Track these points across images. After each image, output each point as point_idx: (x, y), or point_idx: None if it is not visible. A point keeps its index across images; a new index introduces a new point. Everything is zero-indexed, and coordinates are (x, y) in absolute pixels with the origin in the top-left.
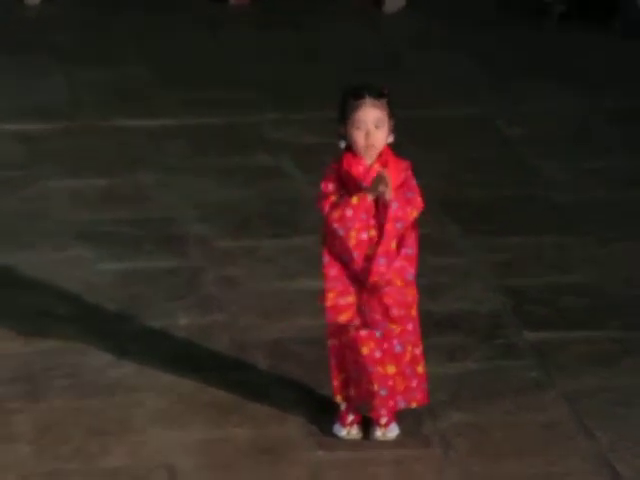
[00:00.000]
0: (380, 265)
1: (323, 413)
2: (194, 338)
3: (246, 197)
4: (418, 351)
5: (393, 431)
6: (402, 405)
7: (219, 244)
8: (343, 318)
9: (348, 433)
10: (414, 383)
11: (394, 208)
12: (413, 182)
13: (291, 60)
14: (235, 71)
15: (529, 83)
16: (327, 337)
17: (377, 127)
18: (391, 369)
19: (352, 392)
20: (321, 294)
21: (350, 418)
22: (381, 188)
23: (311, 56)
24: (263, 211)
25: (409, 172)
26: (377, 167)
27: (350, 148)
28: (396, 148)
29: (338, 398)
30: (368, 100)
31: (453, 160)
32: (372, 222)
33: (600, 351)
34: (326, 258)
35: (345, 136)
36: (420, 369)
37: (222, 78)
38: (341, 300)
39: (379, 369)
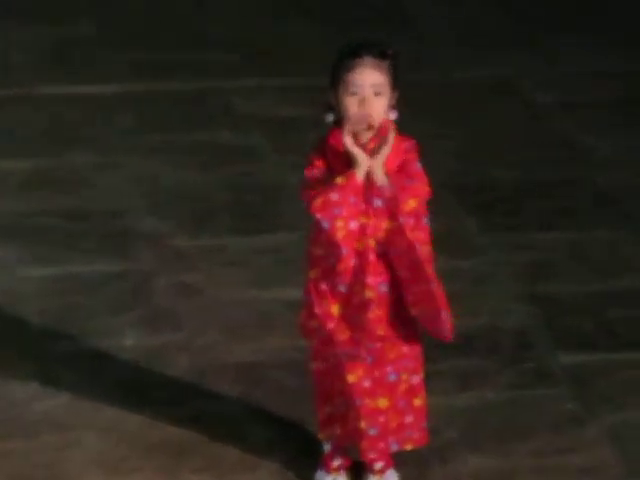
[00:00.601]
0: (420, 250)
1: (304, 456)
2: (143, 362)
3: (208, 184)
4: (416, 380)
5: (390, 479)
6: (395, 447)
7: (174, 243)
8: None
9: None
10: (409, 419)
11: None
12: (415, 166)
13: (267, 14)
14: (199, 28)
15: (563, 39)
16: (311, 359)
17: (376, 94)
18: (383, 403)
19: (338, 430)
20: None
21: (336, 463)
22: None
23: (293, 9)
24: (229, 201)
25: (412, 155)
26: (371, 147)
27: (340, 122)
28: (398, 122)
29: (321, 436)
30: (367, 60)
31: (470, 135)
32: (363, 207)
33: None
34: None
35: (334, 107)
36: (418, 402)
37: (183, 36)
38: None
39: (368, 402)
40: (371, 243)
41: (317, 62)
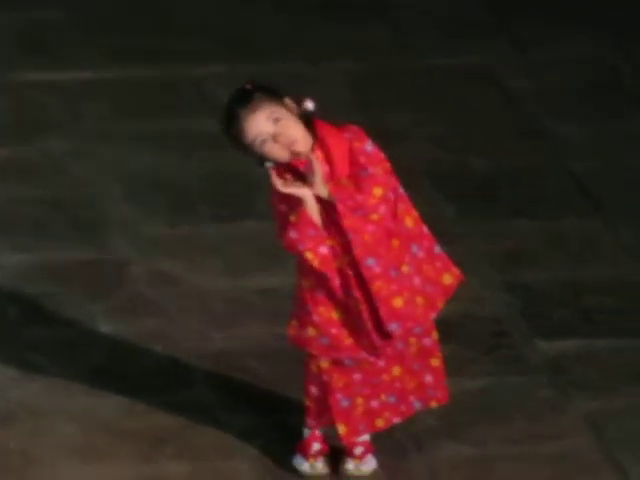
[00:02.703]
0: (371, 268)
1: (281, 443)
2: (118, 349)
3: (184, 171)
4: (429, 342)
5: (369, 464)
6: (418, 406)
7: (150, 230)
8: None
9: (312, 467)
10: (429, 379)
11: (340, 204)
12: (365, 152)
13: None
14: (169, 13)
15: (540, 25)
16: (310, 362)
17: (276, 122)
18: (396, 371)
19: (354, 416)
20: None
21: (315, 448)
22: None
23: None
24: (206, 189)
25: (357, 142)
26: (318, 155)
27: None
28: (375, 106)
29: (313, 424)
30: (242, 113)
31: (446, 121)
32: (324, 234)
33: (631, 364)
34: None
35: (262, 160)
36: (435, 362)
37: (157, 22)
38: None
39: (384, 377)
40: (345, 260)
41: (289, 48)
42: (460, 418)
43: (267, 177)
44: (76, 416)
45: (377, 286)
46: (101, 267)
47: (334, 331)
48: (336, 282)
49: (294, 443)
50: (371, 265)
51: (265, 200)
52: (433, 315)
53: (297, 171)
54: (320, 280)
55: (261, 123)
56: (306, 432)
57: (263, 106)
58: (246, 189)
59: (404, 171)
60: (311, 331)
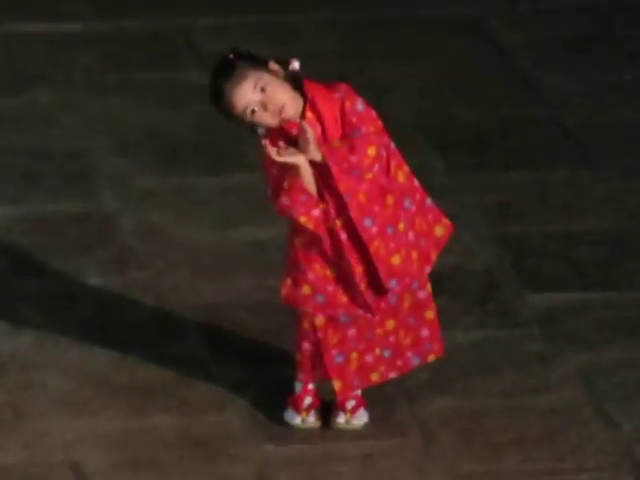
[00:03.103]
0: (369, 228)
1: (271, 396)
2: (108, 302)
3: (174, 122)
4: (423, 295)
5: (361, 418)
6: (416, 361)
7: (139, 182)
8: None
9: (303, 421)
10: (425, 333)
11: (334, 167)
12: (356, 111)
13: None
14: None
15: None
16: (304, 320)
17: (263, 90)
18: (390, 324)
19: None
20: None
21: (307, 402)
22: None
23: None
24: (196, 141)
25: (348, 101)
26: (310, 117)
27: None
28: (363, 58)
29: (305, 377)
30: (229, 86)
31: (435, 73)
32: (316, 198)
33: (623, 317)
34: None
35: (255, 128)
36: (429, 314)
37: None
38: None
39: (379, 331)
40: (338, 223)
41: None
42: (451, 371)
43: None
44: (66, 369)
45: (375, 246)
46: (90, 219)
47: (330, 288)
48: (327, 243)
49: (285, 396)
50: (368, 226)
51: (254, 153)
52: (428, 269)
53: (290, 135)
54: (314, 239)
55: (248, 94)
56: (298, 386)
57: (248, 76)
58: (236, 141)
59: (393, 124)
60: (306, 289)
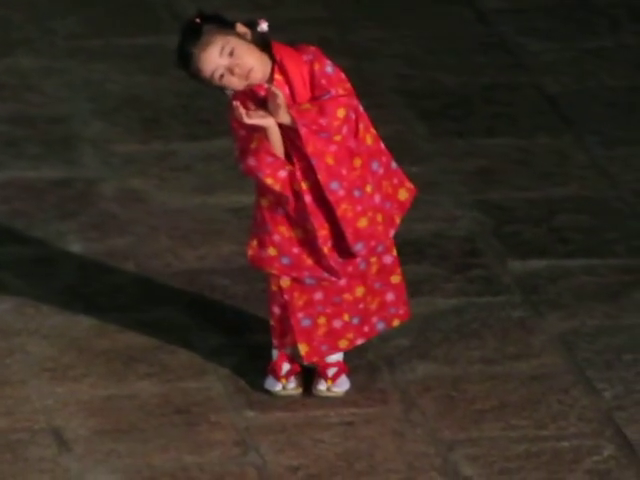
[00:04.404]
0: (336, 191)
1: (252, 363)
2: (89, 268)
3: (155, 88)
4: (389, 259)
5: (342, 385)
6: (381, 326)
7: (120, 148)
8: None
9: (284, 388)
10: (390, 297)
11: (303, 129)
12: (327, 71)
13: None
14: None
15: None
16: (271, 282)
17: (231, 54)
18: (360, 291)
19: (315, 336)
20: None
21: (285, 368)
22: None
23: None
24: (177, 106)
25: (317, 64)
26: (278, 79)
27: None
28: (344, 27)
29: (278, 343)
30: (196, 51)
31: (417, 40)
32: (282, 160)
33: (603, 283)
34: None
35: (223, 89)
36: (395, 279)
37: None
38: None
39: (347, 296)
40: (303, 186)
41: None
42: (432, 338)
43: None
44: (47, 335)
45: (342, 209)
46: (71, 185)
47: (295, 250)
48: (291, 206)
49: (266, 363)
50: (335, 189)
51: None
52: (392, 232)
53: (258, 97)
54: (280, 201)
55: (215, 58)
56: (275, 353)
57: (214, 40)
58: (218, 107)
59: (375, 90)
60: (272, 251)
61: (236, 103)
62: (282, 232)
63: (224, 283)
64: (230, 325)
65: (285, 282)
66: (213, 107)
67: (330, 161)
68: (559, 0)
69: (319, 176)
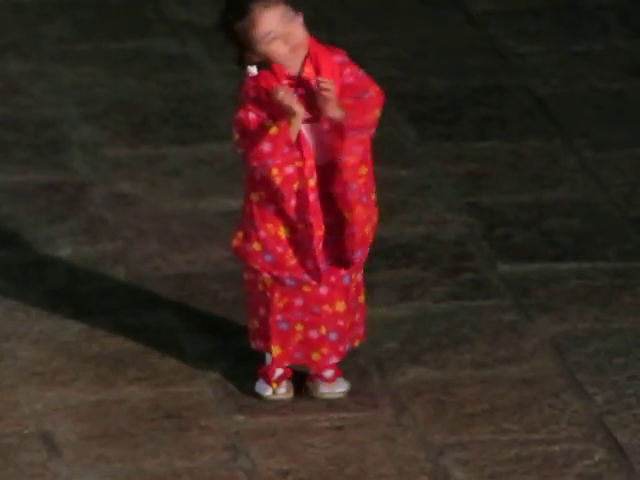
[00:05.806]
0: (355, 192)
1: (242, 367)
2: (79, 272)
3: (145, 92)
4: (360, 277)
5: (342, 386)
6: (348, 347)
7: (110, 152)
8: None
9: (274, 392)
10: (357, 317)
11: (348, 121)
12: (358, 72)
13: None
14: None
15: None
16: (249, 281)
17: (291, 20)
18: (341, 306)
19: (289, 345)
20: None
21: (278, 373)
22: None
23: None
24: (166, 110)
25: (350, 67)
26: (308, 72)
27: (263, 66)
28: (333, 30)
29: (257, 344)
30: (259, 7)
31: (406, 42)
32: (297, 154)
33: (594, 287)
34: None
35: (253, 61)
36: (362, 298)
37: None
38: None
39: (326, 308)
40: (311, 183)
41: None
42: (423, 342)
43: (230, 97)
44: (36, 340)
45: (357, 212)
46: (61, 189)
47: (279, 249)
48: (291, 204)
49: (256, 367)
50: (354, 190)
51: (227, 122)
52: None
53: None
54: (272, 197)
55: (276, 20)
56: (268, 357)
57: (280, 4)
58: (207, 111)
59: None
60: (256, 246)
61: (284, 82)
62: (269, 229)
63: (214, 287)
64: (220, 329)
65: (268, 280)
66: (203, 111)
67: (355, 161)
68: (548, 3)
69: (344, 174)
